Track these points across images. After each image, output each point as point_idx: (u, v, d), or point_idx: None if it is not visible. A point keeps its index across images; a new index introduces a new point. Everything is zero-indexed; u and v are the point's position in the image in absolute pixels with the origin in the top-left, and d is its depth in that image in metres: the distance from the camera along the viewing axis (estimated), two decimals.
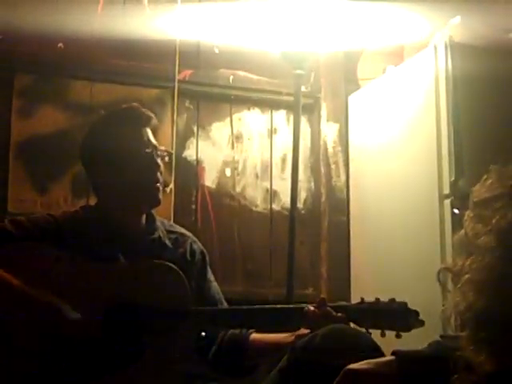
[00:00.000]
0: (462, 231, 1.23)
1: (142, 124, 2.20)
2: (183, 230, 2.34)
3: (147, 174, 2.15)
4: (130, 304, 2.00)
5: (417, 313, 1.92)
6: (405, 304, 1.94)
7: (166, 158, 2.25)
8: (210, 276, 2.33)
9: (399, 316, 1.92)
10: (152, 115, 2.24)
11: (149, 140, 2.18)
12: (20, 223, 2.10)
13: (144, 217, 2.22)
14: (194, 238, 2.33)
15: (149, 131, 2.20)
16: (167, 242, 2.22)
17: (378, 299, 1.97)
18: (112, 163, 2.14)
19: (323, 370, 1.58)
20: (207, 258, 2.34)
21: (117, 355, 1.96)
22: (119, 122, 2.21)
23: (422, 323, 1.92)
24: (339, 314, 1.96)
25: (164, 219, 2.34)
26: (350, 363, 1.48)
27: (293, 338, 2.05)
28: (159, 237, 2.21)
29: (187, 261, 2.23)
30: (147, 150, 2.15)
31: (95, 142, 2.20)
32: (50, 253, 2.05)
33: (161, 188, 2.17)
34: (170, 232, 2.26)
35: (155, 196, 2.16)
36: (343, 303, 2.07)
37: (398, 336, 1.90)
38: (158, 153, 2.18)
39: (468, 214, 1.24)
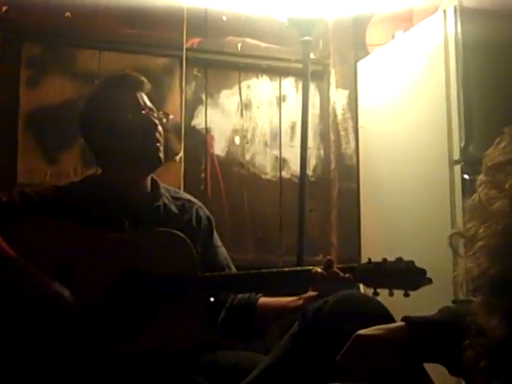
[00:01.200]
0: (475, 196, 1.21)
1: (136, 88, 2.21)
2: (189, 197, 2.35)
3: (145, 134, 2.16)
4: (137, 271, 2.01)
5: (424, 271, 1.93)
6: (412, 262, 1.95)
7: (164, 120, 2.26)
8: (217, 241, 2.34)
9: (406, 275, 1.93)
10: (144, 79, 2.25)
11: (144, 103, 2.20)
12: (26, 195, 2.12)
13: (149, 184, 2.23)
14: (200, 204, 2.34)
15: (143, 95, 2.22)
16: (173, 208, 2.24)
17: (385, 259, 1.98)
18: (109, 129, 2.16)
19: (334, 336, 1.59)
20: (213, 224, 2.35)
21: (125, 323, 1.97)
22: (114, 88, 2.23)
23: (429, 281, 1.92)
24: (347, 275, 1.97)
25: (169, 186, 2.35)
26: (360, 329, 1.49)
27: (301, 301, 2.06)
28: (164, 203, 2.22)
29: (193, 227, 2.24)
30: (143, 112, 2.17)
31: (91, 111, 2.23)
32: (57, 225, 2.07)
33: (161, 148, 2.18)
34: (175, 198, 2.28)
35: (156, 155, 2.17)
36: (350, 264, 2.08)
37: (406, 295, 1.91)
38: (155, 115, 2.20)
39: (481, 178, 1.22)
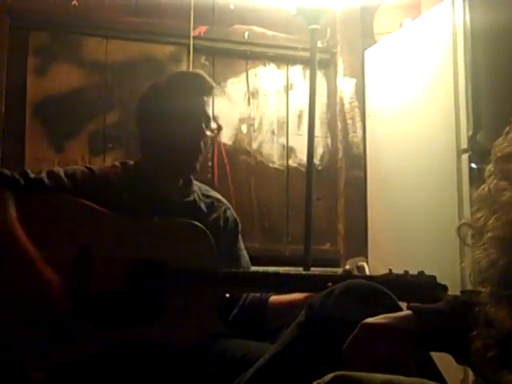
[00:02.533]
0: (484, 187, 1.20)
1: (203, 93, 2.22)
2: (219, 196, 2.36)
3: (193, 143, 2.17)
4: (155, 261, 2.02)
5: (445, 287, 1.91)
6: (434, 278, 1.93)
7: (216, 131, 2.27)
8: (241, 245, 2.36)
9: (427, 290, 1.92)
10: (214, 85, 2.26)
11: (204, 110, 2.20)
12: (56, 175, 2.12)
13: (181, 180, 2.24)
14: (229, 205, 2.36)
15: (207, 101, 2.22)
16: (202, 205, 2.25)
17: (406, 271, 1.97)
18: (165, 122, 2.17)
19: (340, 325, 1.59)
20: (239, 227, 2.36)
21: (139, 310, 1.99)
22: (182, 86, 2.22)
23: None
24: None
25: (201, 183, 2.36)
26: (367, 318, 1.49)
27: (306, 295, 2.07)
28: (194, 200, 2.24)
29: (220, 227, 2.26)
30: (200, 119, 2.18)
31: (154, 99, 2.23)
32: (81, 206, 2.07)
33: (200, 158, 2.20)
34: (205, 196, 2.29)
35: (193, 166, 2.19)
36: (371, 274, 2.07)
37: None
38: (209, 125, 2.21)
39: (490, 169, 1.21)
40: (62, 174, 2.13)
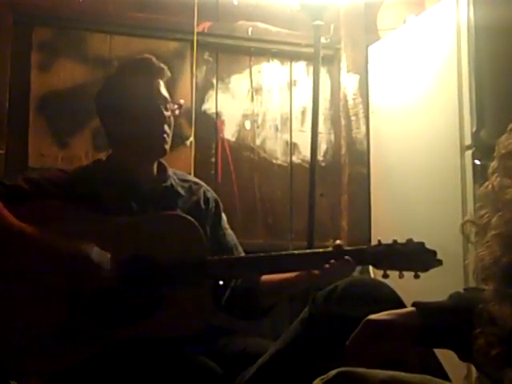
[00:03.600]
0: (488, 184, 1.20)
1: (154, 75, 2.22)
2: (196, 179, 2.38)
3: (154, 125, 2.18)
4: (145, 256, 2.03)
5: (434, 252, 1.93)
6: (422, 244, 1.96)
7: (177, 111, 2.27)
8: (225, 223, 2.36)
9: (416, 256, 1.94)
10: (164, 67, 2.26)
11: (159, 92, 2.21)
12: (33, 180, 2.13)
13: (155, 167, 2.25)
14: (207, 187, 2.36)
15: (161, 82, 2.23)
16: (180, 189, 2.26)
17: (395, 241, 1.99)
18: (121, 113, 2.18)
19: (344, 321, 1.59)
20: (221, 206, 2.36)
21: (133, 307, 1.99)
22: (131, 73, 2.24)
23: (439, 262, 1.93)
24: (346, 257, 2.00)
25: (176, 170, 2.37)
26: (370, 314, 1.49)
27: (303, 275, 2.07)
28: (171, 185, 2.24)
29: (201, 208, 2.27)
30: (156, 102, 2.18)
31: (108, 92, 2.25)
32: (64, 208, 2.08)
33: (168, 140, 2.20)
34: (182, 180, 2.30)
35: (161, 146, 2.19)
36: (361, 246, 2.09)
37: (416, 276, 1.92)
38: (168, 105, 2.21)
39: (493, 165, 1.21)
40: (39, 178, 2.14)
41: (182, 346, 1.96)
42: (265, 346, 1.96)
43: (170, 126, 2.21)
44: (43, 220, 2.02)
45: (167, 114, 2.20)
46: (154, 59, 2.26)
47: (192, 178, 2.39)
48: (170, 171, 2.28)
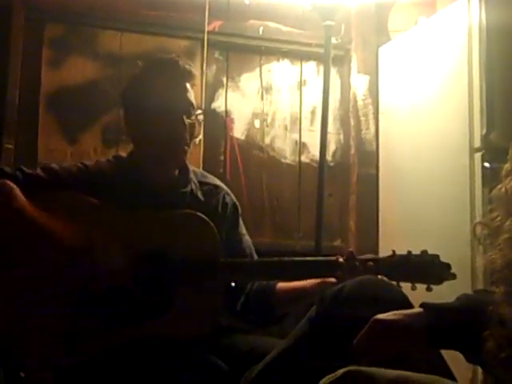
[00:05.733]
0: (501, 187, 1.20)
1: (181, 78, 2.16)
2: (217, 182, 2.32)
3: (172, 134, 2.12)
4: (158, 254, 2.01)
5: (449, 266, 1.91)
6: (437, 256, 1.94)
7: (200, 117, 2.21)
8: (242, 229, 2.33)
9: (431, 269, 1.92)
10: (191, 68, 2.19)
11: (184, 97, 2.14)
12: (53, 170, 2.12)
13: (177, 170, 2.21)
14: (228, 190, 2.32)
15: (187, 86, 2.16)
16: (199, 194, 2.22)
17: (409, 252, 1.96)
18: (146, 113, 2.13)
19: (351, 321, 1.59)
20: (239, 211, 2.34)
21: (146, 304, 1.98)
22: (158, 74, 2.17)
23: (453, 276, 1.91)
24: (369, 263, 1.97)
25: (198, 169, 2.34)
26: (378, 314, 1.49)
27: (319, 282, 2.07)
28: (191, 190, 2.20)
29: (218, 213, 2.23)
30: (179, 110, 2.12)
31: (135, 90, 2.19)
32: (82, 201, 2.07)
33: (187, 149, 2.15)
34: (202, 184, 2.25)
35: (179, 156, 2.15)
36: (374, 256, 2.07)
37: (428, 289, 1.90)
38: (192, 111, 2.15)
39: (507, 168, 1.20)
40: (59, 169, 2.12)
41: (191, 345, 1.96)
42: (272, 345, 1.95)
43: (192, 134, 2.15)
44: (58, 211, 2.01)
45: (189, 121, 2.13)
46: (181, 61, 2.18)
47: (212, 179, 2.32)
48: (192, 173, 2.24)
